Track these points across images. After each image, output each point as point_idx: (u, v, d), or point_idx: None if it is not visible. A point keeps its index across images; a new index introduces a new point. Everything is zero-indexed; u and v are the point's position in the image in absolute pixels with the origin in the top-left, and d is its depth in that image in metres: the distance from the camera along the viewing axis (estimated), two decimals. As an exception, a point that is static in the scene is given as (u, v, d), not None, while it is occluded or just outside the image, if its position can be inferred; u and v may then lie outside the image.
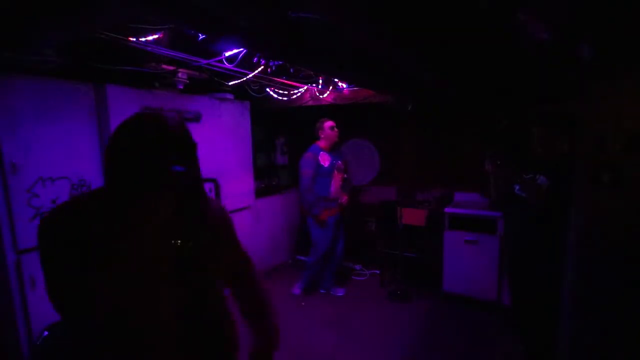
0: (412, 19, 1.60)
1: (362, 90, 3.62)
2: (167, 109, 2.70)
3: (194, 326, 0.91)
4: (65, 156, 2.22)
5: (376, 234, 4.39)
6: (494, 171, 2.38)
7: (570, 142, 2.04)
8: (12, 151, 1.98)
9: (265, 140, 4.55)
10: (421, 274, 3.71)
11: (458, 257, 3.30)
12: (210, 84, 3.08)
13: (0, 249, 1.98)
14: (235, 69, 2.71)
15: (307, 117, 3.93)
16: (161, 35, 2.19)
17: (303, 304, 3.39)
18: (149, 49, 2.25)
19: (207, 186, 2.96)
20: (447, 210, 3.35)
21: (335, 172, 3.38)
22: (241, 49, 2.39)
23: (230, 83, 3.16)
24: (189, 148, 0.87)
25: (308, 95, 3.83)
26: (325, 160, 3.34)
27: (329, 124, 3.38)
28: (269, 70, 2.90)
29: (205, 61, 2.58)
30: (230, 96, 3.37)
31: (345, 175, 3.51)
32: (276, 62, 2.81)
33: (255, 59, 2.67)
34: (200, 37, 2.21)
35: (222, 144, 3.33)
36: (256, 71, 2.84)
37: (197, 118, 3.00)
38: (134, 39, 2.12)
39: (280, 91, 3.62)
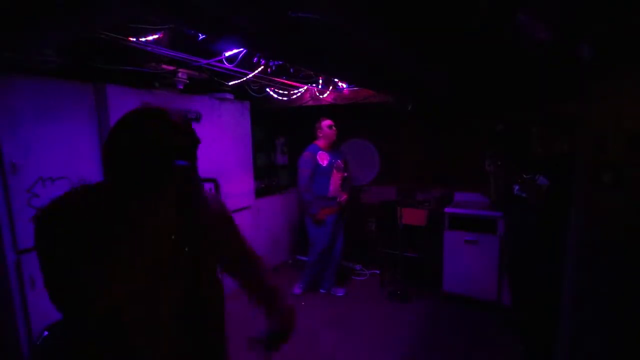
0: (412, 18, 1.60)
1: (362, 90, 3.61)
2: (167, 109, 2.70)
3: (191, 327, 0.91)
4: (65, 156, 2.22)
5: (376, 234, 4.39)
6: (494, 171, 2.38)
7: (570, 142, 2.04)
8: (12, 151, 1.98)
9: (265, 140, 4.55)
10: (421, 274, 3.71)
11: (458, 257, 3.30)
12: (210, 84, 3.08)
13: (0, 249, 1.98)
14: (235, 69, 2.71)
15: (307, 117, 3.93)
16: (161, 35, 2.19)
17: (303, 303, 3.39)
18: (149, 49, 2.25)
19: (207, 186, 2.96)
20: (447, 210, 3.35)
21: (334, 171, 3.38)
22: (241, 49, 2.39)
23: (230, 83, 3.16)
24: (193, 142, 0.86)
25: (308, 95, 3.83)
26: (323, 159, 3.34)
27: (327, 123, 3.38)
28: (269, 70, 2.89)
29: (205, 61, 2.58)
30: (230, 96, 3.37)
31: (345, 174, 3.51)
32: (276, 62, 2.81)
33: (255, 59, 2.67)
34: (200, 37, 2.21)
35: (222, 144, 3.33)
36: (256, 71, 2.84)
37: (197, 118, 3.00)
38: (134, 39, 2.12)
39: (280, 91, 3.62)
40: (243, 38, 1.53)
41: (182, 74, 2.76)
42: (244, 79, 2.99)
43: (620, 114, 1.33)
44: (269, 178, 4.48)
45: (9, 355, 2.10)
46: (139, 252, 0.78)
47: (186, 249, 0.88)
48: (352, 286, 3.78)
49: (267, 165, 4.62)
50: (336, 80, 3.46)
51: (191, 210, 0.88)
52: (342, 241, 3.56)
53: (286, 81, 3.42)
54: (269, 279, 1.19)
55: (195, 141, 0.87)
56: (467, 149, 3.80)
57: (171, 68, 2.68)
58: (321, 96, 3.75)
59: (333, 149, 3.46)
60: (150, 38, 2.16)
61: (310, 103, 3.87)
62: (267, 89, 3.52)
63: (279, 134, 4.70)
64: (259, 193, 3.99)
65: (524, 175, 2.15)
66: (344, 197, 3.47)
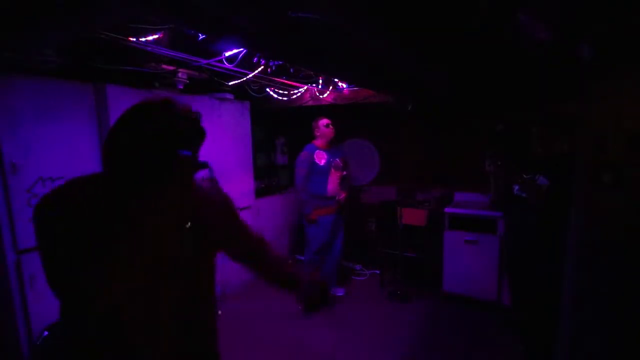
0: (412, 18, 1.60)
1: (362, 90, 3.61)
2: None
3: (189, 327, 0.91)
4: (65, 156, 2.22)
5: (376, 234, 4.39)
6: (494, 171, 2.38)
7: (570, 142, 2.04)
8: (12, 151, 1.98)
9: (265, 140, 4.55)
10: (421, 274, 3.71)
11: (458, 257, 3.30)
12: (210, 84, 3.08)
13: (0, 249, 1.98)
14: (235, 69, 2.71)
15: (307, 117, 3.92)
16: (161, 35, 2.19)
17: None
18: (149, 49, 2.25)
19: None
20: (447, 210, 3.35)
21: (333, 170, 3.37)
22: (241, 49, 2.39)
23: (230, 83, 3.16)
24: (199, 133, 0.86)
25: (308, 95, 3.83)
26: (321, 158, 3.33)
27: (323, 121, 3.37)
28: (269, 70, 2.89)
29: (205, 61, 2.58)
30: (230, 96, 3.37)
31: (344, 173, 3.51)
32: (276, 62, 2.81)
33: (255, 59, 2.66)
34: (200, 37, 2.21)
35: (222, 144, 3.33)
36: (256, 71, 2.84)
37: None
38: (134, 39, 2.12)
39: (280, 91, 3.62)
40: (243, 38, 1.53)
41: (182, 74, 2.76)
42: (244, 79, 2.99)
43: (620, 114, 1.33)
44: (268, 178, 4.48)
45: (9, 355, 2.10)
46: (138, 251, 0.78)
47: (187, 248, 0.88)
48: (352, 286, 3.78)
49: (267, 165, 4.62)
50: (336, 80, 3.46)
51: (193, 205, 0.88)
52: (342, 240, 3.55)
53: (286, 81, 3.42)
54: (283, 260, 1.25)
55: (200, 131, 0.86)
56: (467, 149, 3.80)
57: (171, 68, 2.68)
58: (321, 96, 3.75)
59: (332, 147, 3.45)
60: (150, 38, 2.16)
61: (310, 103, 3.87)
62: (267, 89, 3.52)
63: (279, 134, 4.70)
64: (259, 193, 3.99)
65: (524, 175, 2.15)
66: (342, 195, 3.46)
